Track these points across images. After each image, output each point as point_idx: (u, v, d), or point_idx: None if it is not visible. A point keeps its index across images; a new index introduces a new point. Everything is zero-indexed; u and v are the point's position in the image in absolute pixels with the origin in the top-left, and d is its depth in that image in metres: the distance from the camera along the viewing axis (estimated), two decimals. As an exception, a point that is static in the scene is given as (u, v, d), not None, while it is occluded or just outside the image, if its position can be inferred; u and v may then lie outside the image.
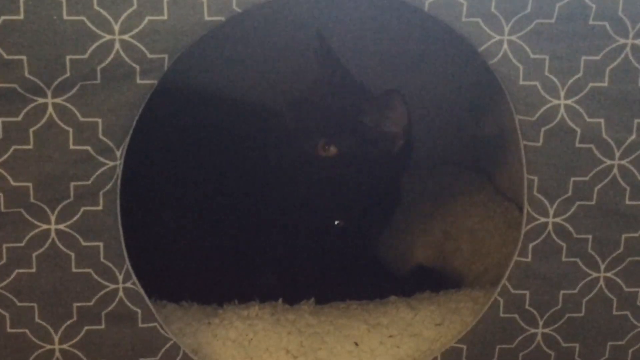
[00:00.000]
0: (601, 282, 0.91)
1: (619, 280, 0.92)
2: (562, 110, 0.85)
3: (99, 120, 0.80)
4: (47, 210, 0.81)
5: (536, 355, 0.93)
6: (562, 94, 0.85)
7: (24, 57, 0.77)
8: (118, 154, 0.81)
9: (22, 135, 0.79)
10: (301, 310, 0.97)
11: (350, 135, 1.01)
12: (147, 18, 0.78)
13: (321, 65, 1.07)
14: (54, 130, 0.79)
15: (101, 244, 0.83)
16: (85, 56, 0.78)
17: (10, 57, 0.76)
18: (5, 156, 0.79)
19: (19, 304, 0.84)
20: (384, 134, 1.03)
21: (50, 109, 0.79)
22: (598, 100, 0.85)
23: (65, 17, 0.76)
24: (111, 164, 0.81)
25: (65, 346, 0.86)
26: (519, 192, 1.02)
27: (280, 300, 0.99)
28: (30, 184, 0.80)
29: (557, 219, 0.88)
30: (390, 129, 1.03)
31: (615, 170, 0.88)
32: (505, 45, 0.83)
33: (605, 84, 0.85)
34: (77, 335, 0.86)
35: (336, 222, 1.08)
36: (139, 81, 0.79)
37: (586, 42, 0.84)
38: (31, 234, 0.82)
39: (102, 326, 0.86)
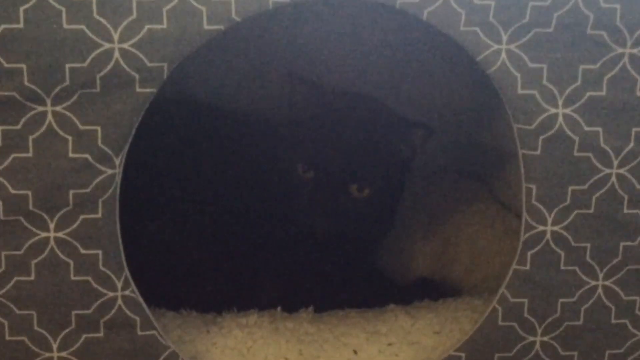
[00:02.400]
0: (599, 291, 0.91)
1: (617, 289, 0.92)
2: (560, 119, 0.85)
3: (98, 129, 0.80)
4: (46, 218, 0.81)
5: (535, 363, 0.93)
6: (560, 102, 0.85)
7: (23, 66, 0.77)
8: (117, 162, 0.81)
9: (21, 143, 0.79)
10: (300, 319, 0.97)
11: (379, 172, 1.03)
12: (147, 27, 0.78)
13: (310, 103, 1.05)
14: (53, 138, 0.79)
15: (100, 252, 0.83)
16: (85, 64, 0.78)
17: (9, 65, 0.77)
18: (5, 164, 0.79)
19: (17, 311, 0.84)
20: (400, 158, 1.05)
21: (49, 117, 0.79)
22: (596, 109, 0.86)
23: (65, 25, 0.77)
24: (110, 172, 0.81)
25: (63, 354, 0.86)
26: (517, 200, 1.02)
27: (279, 309, 0.99)
28: (29, 192, 0.80)
29: (556, 228, 0.88)
30: (406, 153, 1.06)
31: (613, 179, 0.88)
32: (503, 54, 0.83)
33: (603, 93, 0.85)
34: (75, 343, 0.86)
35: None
36: (138, 89, 0.80)
37: (584, 51, 0.84)
38: (30, 241, 0.82)
39: (101, 334, 0.86)
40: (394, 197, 1.09)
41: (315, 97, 1.05)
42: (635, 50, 0.84)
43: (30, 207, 0.81)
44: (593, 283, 0.91)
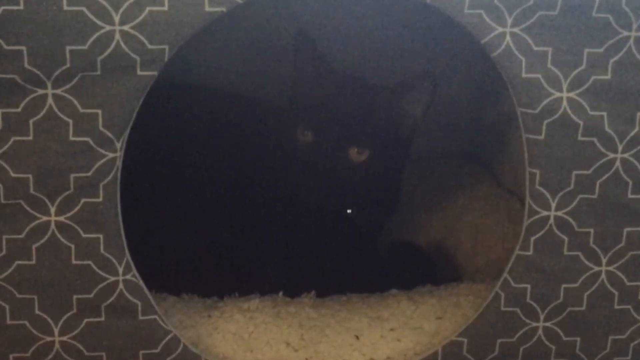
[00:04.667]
0: (603, 276, 0.91)
1: (620, 274, 0.91)
2: (564, 103, 0.85)
3: (99, 112, 0.80)
4: (47, 201, 0.81)
5: (537, 349, 0.93)
6: (565, 86, 0.84)
7: (23, 48, 0.76)
8: (118, 145, 0.81)
9: (21, 127, 0.79)
10: (302, 303, 0.97)
11: (379, 134, 1.01)
12: (148, 9, 0.77)
13: (311, 67, 1.04)
14: (53, 122, 0.79)
15: (101, 236, 0.83)
16: (86, 47, 0.77)
17: (10, 47, 0.76)
18: (5, 147, 0.79)
19: (18, 295, 0.84)
20: (405, 119, 1.03)
21: (50, 100, 0.79)
22: (601, 93, 0.85)
23: (65, 7, 0.76)
24: (111, 155, 0.81)
25: (65, 338, 0.86)
26: (520, 185, 1.02)
27: (281, 293, 0.98)
28: (30, 176, 0.80)
29: (559, 213, 0.88)
30: (411, 113, 1.03)
31: (617, 164, 0.87)
32: (508, 38, 0.82)
33: (608, 77, 0.85)
34: (77, 328, 0.86)
35: (349, 211, 1.08)
36: (139, 72, 0.79)
37: (589, 34, 0.83)
38: (31, 225, 0.82)
39: (102, 318, 0.86)
40: (395, 165, 1.07)
41: (319, 59, 1.04)
42: (640, 34, 0.84)
43: (31, 190, 0.81)
44: (596, 268, 0.91)
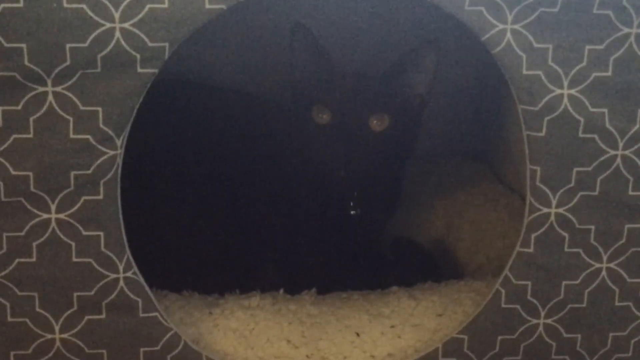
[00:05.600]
0: (603, 273, 0.91)
1: (621, 271, 0.91)
2: (565, 100, 0.85)
3: (100, 109, 0.80)
4: (48, 199, 0.81)
5: (538, 345, 0.93)
6: (566, 83, 0.84)
7: (23, 45, 0.76)
8: (118, 143, 0.81)
9: (22, 124, 0.79)
10: (302, 300, 0.97)
11: (392, 102, 1.01)
12: (148, 6, 0.77)
13: (310, 52, 1.04)
14: (54, 119, 0.79)
15: (102, 234, 0.83)
16: (86, 44, 0.77)
17: (10, 45, 0.76)
18: (5, 145, 0.79)
19: (19, 293, 0.84)
20: (413, 88, 1.03)
21: (50, 98, 0.78)
22: (602, 90, 0.85)
23: (65, 5, 0.76)
24: (112, 153, 0.81)
25: (65, 335, 0.86)
26: (521, 182, 1.02)
27: (281, 290, 0.99)
28: (30, 173, 0.80)
29: (560, 210, 0.88)
30: (417, 89, 1.03)
31: (618, 161, 0.87)
32: (508, 34, 0.82)
33: (609, 74, 0.84)
34: (77, 325, 0.86)
35: (352, 212, 1.08)
36: (139, 70, 0.79)
37: (590, 31, 0.83)
38: (31, 223, 0.82)
39: (103, 316, 0.86)
40: (411, 133, 1.06)
41: (316, 44, 1.04)
42: (641, 30, 0.84)
43: (32, 188, 0.81)
44: (597, 265, 0.91)
